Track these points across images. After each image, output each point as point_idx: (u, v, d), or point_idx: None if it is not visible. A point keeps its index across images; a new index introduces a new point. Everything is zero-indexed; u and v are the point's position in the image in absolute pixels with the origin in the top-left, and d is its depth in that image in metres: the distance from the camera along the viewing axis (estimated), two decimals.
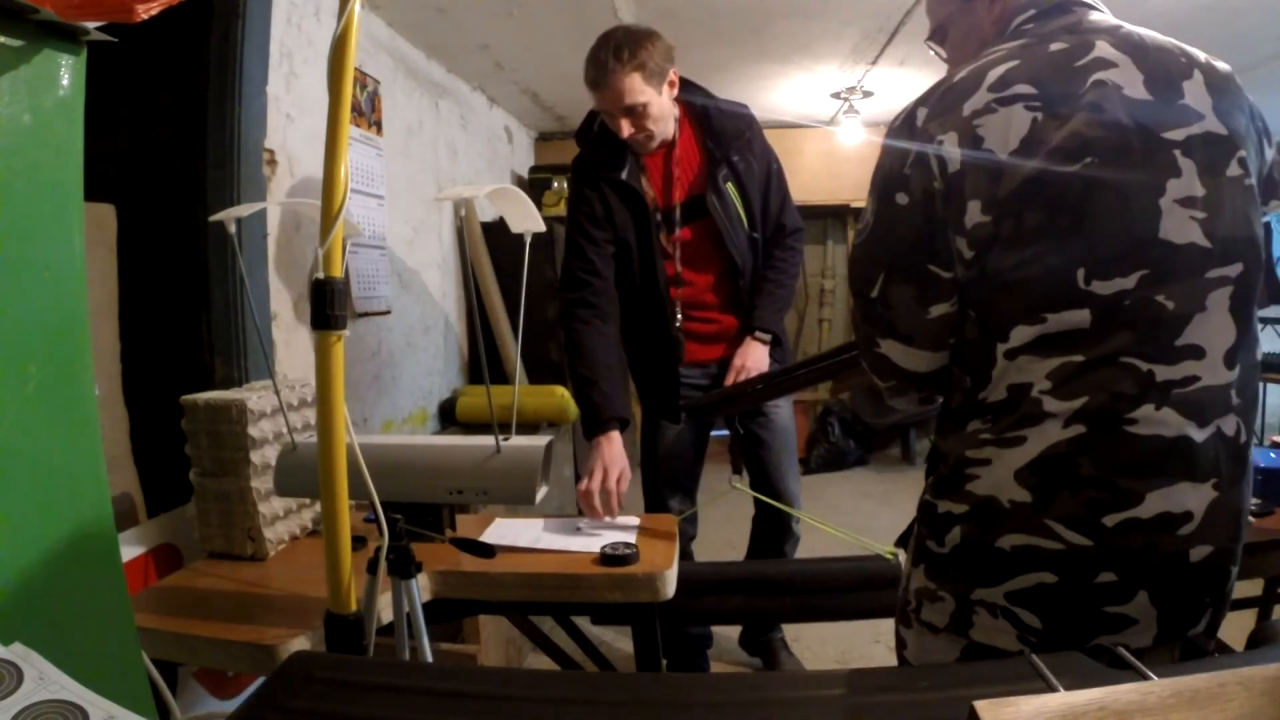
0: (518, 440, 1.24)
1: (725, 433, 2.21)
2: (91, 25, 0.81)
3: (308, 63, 2.20)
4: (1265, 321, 5.37)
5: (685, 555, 2.14)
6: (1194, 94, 0.86)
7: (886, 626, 1.17)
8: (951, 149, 0.86)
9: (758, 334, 2.02)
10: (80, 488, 0.83)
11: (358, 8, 0.86)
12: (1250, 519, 1.66)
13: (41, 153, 0.79)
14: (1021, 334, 0.84)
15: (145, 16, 0.82)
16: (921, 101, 0.92)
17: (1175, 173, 0.83)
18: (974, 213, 0.85)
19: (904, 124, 0.92)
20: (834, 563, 2.03)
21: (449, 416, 3.24)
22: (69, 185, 0.82)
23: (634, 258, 1.98)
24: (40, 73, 0.77)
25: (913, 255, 0.90)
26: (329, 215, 0.88)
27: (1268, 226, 0.92)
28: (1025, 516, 0.84)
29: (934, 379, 0.96)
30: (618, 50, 1.81)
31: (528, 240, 1.26)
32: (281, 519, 1.54)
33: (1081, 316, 0.82)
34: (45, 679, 0.56)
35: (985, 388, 0.88)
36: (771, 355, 2.05)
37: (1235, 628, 1.70)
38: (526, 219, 1.27)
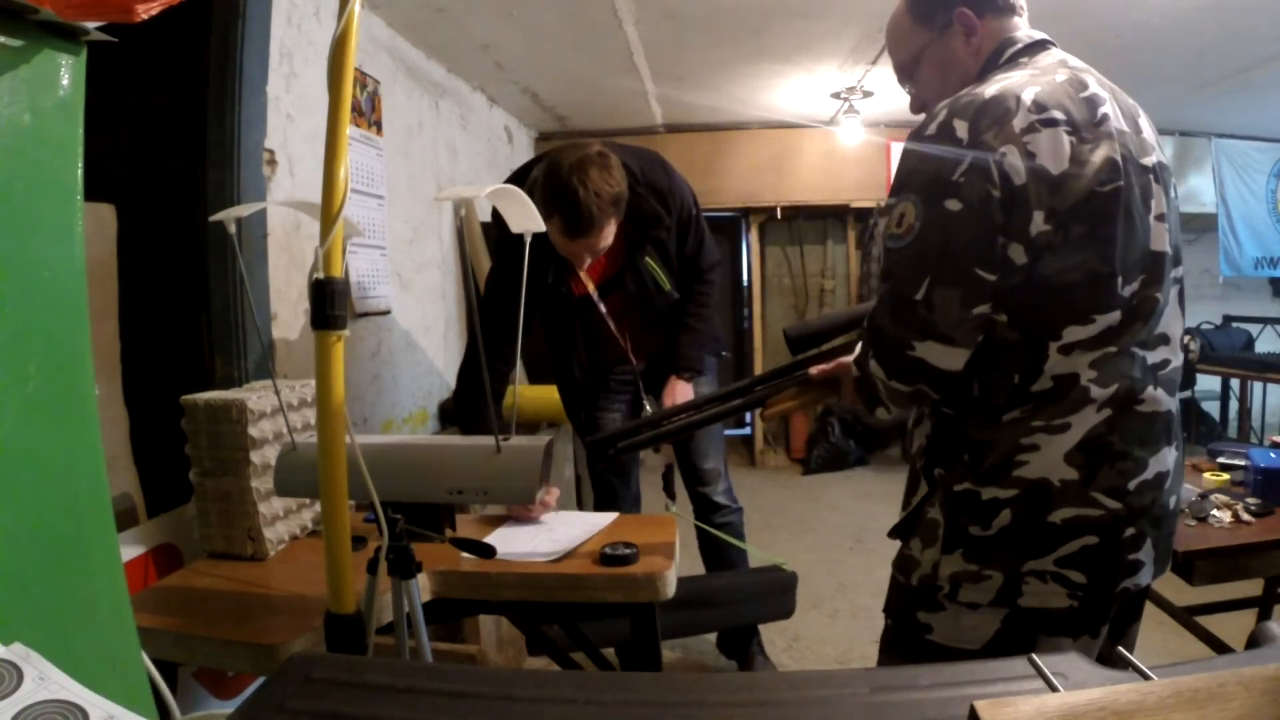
0: (518, 440, 1.24)
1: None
2: (91, 25, 0.81)
3: (308, 63, 2.20)
4: (1265, 321, 5.36)
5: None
6: (1147, 128, 1.05)
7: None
8: (1015, 160, 0.93)
9: (683, 373, 2.08)
10: (80, 488, 0.83)
11: (358, 8, 0.86)
12: (1250, 517, 1.71)
13: (41, 153, 0.78)
14: (1074, 333, 0.97)
15: (145, 16, 0.82)
16: (955, 113, 0.98)
17: (1152, 193, 1.01)
18: (1038, 222, 0.94)
19: (941, 133, 0.98)
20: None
21: (449, 416, 3.24)
22: (69, 185, 0.82)
23: (555, 322, 2.11)
24: (40, 73, 0.77)
25: (963, 259, 0.96)
26: (329, 215, 0.88)
27: None
28: (1074, 492, 0.98)
29: (960, 377, 1.01)
30: (599, 198, 1.70)
31: (528, 240, 1.26)
32: (281, 519, 1.54)
33: (1115, 316, 0.98)
34: (45, 679, 0.56)
35: (1035, 381, 0.99)
36: (699, 389, 2.11)
37: (1235, 628, 1.71)
38: (526, 219, 1.27)
